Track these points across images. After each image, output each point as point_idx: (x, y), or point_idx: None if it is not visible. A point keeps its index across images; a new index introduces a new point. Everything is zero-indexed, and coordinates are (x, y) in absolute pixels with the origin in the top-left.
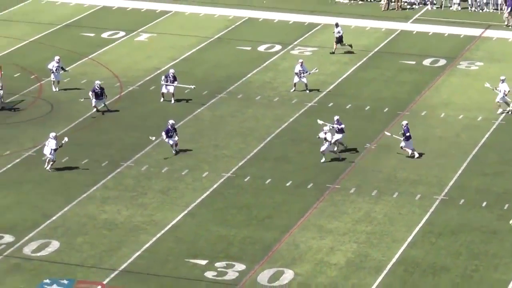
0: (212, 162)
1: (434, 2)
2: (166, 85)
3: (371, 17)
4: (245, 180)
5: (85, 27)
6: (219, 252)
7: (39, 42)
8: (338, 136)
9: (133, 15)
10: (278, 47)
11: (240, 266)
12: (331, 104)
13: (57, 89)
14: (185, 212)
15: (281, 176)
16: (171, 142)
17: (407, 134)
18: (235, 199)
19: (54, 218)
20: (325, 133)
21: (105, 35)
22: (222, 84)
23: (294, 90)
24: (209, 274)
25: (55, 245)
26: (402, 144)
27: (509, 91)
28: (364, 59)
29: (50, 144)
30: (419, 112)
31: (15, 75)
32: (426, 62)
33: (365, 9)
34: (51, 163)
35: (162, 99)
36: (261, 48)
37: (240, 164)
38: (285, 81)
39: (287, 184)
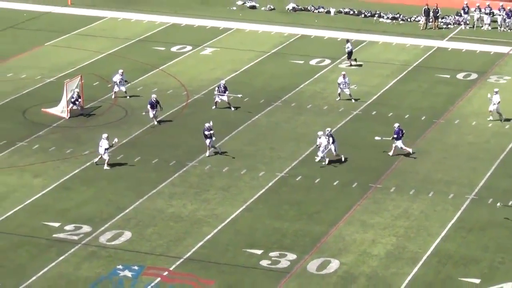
0: (268, 163)
1: (467, 22)
2: (218, 95)
3: (411, 35)
4: (297, 179)
5: (156, 42)
6: (273, 243)
7: (115, 55)
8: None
9: (199, 31)
10: (327, 61)
11: (292, 256)
12: (374, 112)
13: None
14: (243, 207)
15: (329, 176)
16: (207, 141)
17: (400, 134)
18: (288, 196)
19: (127, 211)
20: (319, 137)
21: (174, 49)
22: (277, 93)
23: (340, 99)
24: (264, 263)
25: (127, 235)
26: (398, 144)
27: (499, 102)
28: (404, 72)
29: (103, 144)
30: (453, 121)
31: (94, 84)
32: (460, 76)
33: (405, 28)
34: (107, 160)
35: (214, 107)
36: (313, 62)
37: (292, 165)
38: (333, 92)
39: (334, 183)
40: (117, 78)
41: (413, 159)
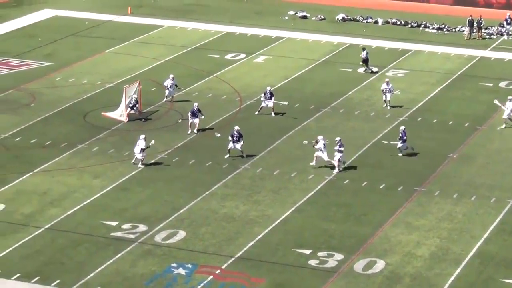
0: (317, 166)
1: (510, 33)
2: (264, 100)
3: (455, 45)
4: (345, 182)
5: (211, 50)
6: (321, 243)
7: (172, 62)
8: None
9: (253, 40)
10: (375, 69)
11: (339, 256)
12: (419, 119)
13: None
14: (293, 208)
15: (375, 179)
16: (237, 146)
17: (404, 137)
18: (336, 199)
19: (181, 211)
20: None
21: (228, 56)
22: (327, 100)
23: (386, 106)
24: (312, 262)
25: (181, 234)
26: (399, 145)
27: None
28: (449, 81)
29: (140, 144)
30: (495, 127)
31: (151, 89)
32: (502, 84)
33: (450, 38)
34: (142, 160)
35: (257, 112)
36: (361, 70)
37: (341, 168)
38: (380, 99)
39: (381, 187)
40: (168, 82)
41: (457, 164)
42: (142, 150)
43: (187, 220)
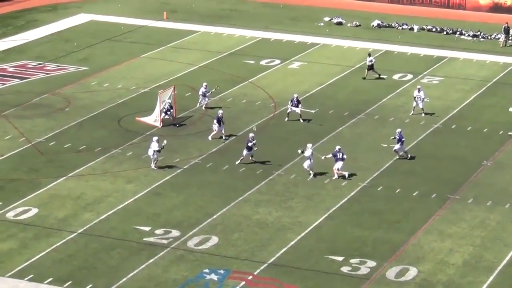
0: (350, 173)
1: None
2: (291, 107)
3: (491, 52)
4: (378, 189)
5: (246, 55)
6: (354, 250)
7: (207, 67)
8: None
9: (288, 46)
10: (410, 76)
11: (372, 263)
12: (454, 126)
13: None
14: (326, 215)
15: (409, 186)
16: (246, 152)
17: (402, 139)
18: (369, 205)
19: (214, 217)
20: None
21: (263, 62)
22: (361, 106)
23: (413, 114)
24: (345, 269)
25: (214, 240)
26: (396, 147)
27: None
28: (484, 88)
29: (153, 146)
30: None
31: (186, 95)
32: None
33: (485, 45)
34: (154, 162)
35: (286, 119)
36: (395, 76)
37: (374, 175)
38: (424, 108)
39: (414, 194)
40: (201, 90)
41: (491, 171)
42: (156, 151)
43: (220, 225)
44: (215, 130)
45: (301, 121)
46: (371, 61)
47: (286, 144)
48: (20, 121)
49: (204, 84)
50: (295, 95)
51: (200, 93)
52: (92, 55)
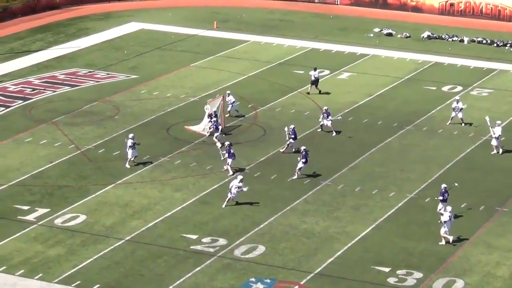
0: (398, 184)
1: None
2: (323, 121)
3: None
4: (426, 200)
5: (296, 65)
6: (401, 261)
7: (256, 77)
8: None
9: (337, 56)
10: (459, 88)
11: (418, 274)
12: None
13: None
14: (373, 225)
15: (456, 198)
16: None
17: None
18: (417, 217)
19: (261, 226)
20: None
21: (312, 72)
22: (410, 117)
23: (450, 123)
24: (391, 280)
25: (261, 249)
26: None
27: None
28: None
29: (128, 143)
30: None
31: (235, 104)
32: None
33: None
34: (131, 159)
35: (320, 130)
36: (445, 88)
37: (422, 186)
38: (464, 118)
39: (461, 206)
40: (230, 99)
41: None
42: (130, 147)
43: (267, 235)
44: (291, 144)
45: (334, 133)
46: (314, 76)
47: (333, 154)
48: (70, 128)
49: (228, 92)
50: (325, 108)
51: (229, 101)
52: (142, 64)
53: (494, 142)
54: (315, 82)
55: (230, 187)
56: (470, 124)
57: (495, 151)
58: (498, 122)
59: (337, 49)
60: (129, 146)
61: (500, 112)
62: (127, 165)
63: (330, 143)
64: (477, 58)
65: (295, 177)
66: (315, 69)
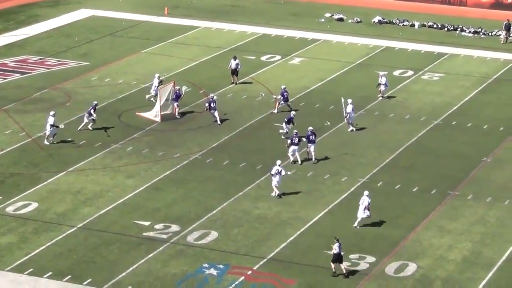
0: (350, 168)
1: None
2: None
3: (492, 49)
4: (378, 184)
5: (247, 51)
6: (353, 245)
7: (207, 63)
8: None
9: (288, 42)
10: (410, 73)
11: (371, 259)
12: (454, 122)
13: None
14: (325, 210)
15: (408, 182)
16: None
17: (312, 138)
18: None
19: (214, 212)
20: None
21: (264, 58)
22: (361, 102)
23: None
24: (344, 265)
25: (214, 235)
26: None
27: None
28: (484, 84)
29: (49, 121)
30: None
31: (186, 90)
32: None
33: (486, 42)
34: (49, 136)
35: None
36: (396, 73)
37: (374, 171)
38: (415, 102)
39: (414, 190)
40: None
41: (491, 168)
42: (51, 126)
43: (220, 220)
44: (285, 129)
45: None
46: (236, 64)
47: (285, 141)
48: (21, 116)
49: (156, 75)
50: (283, 86)
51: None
52: (93, 50)
53: (347, 120)
54: (234, 71)
55: (274, 173)
56: (389, 98)
57: (351, 128)
58: (349, 100)
59: (288, 34)
60: (51, 124)
61: (452, 96)
62: (46, 142)
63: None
64: (428, 42)
65: (312, 160)
66: (234, 58)
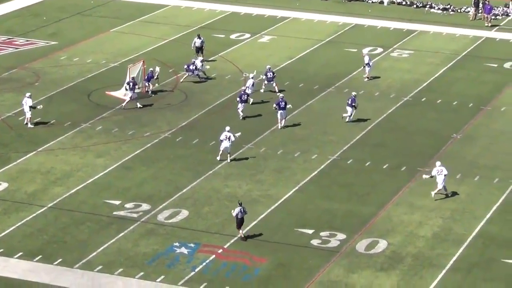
0: (320, 146)
1: None
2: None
3: (461, 26)
4: (348, 162)
5: (216, 29)
6: (324, 223)
7: (176, 41)
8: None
9: (258, 20)
10: (380, 50)
11: (341, 236)
12: (423, 99)
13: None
14: (296, 188)
15: (379, 159)
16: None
17: (282, 105)
18: (339, 178)
19: (184, 190)
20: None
21: (233, 36)
22: (331, 80)
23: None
24: (315, 242)
25: (184, 213)
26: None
27: None
28: (453, 61)
29: (28, 103)
30: (499, 108)
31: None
32: (507, 65)
33: (455, 18)
34: (31, 119)
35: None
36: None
37: (344, 148)
38: (385, 79)
39: (384, 167)
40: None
41: (460, 144)
42: (31, 108)
43: (190, 199)
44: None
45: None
46: (201, 42)
47: (255, 118)
48: None
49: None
50: (268, 66)
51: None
52: (62, 30)
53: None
54: (200, 49)
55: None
56: (373, 78)
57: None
58: (251, 75)
59: (258, 12)
60: (30, 106)
61: (421, 73)
62: (30, 125)
63: (252, 106)
64: (397, 19)
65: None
66: (198, 37)
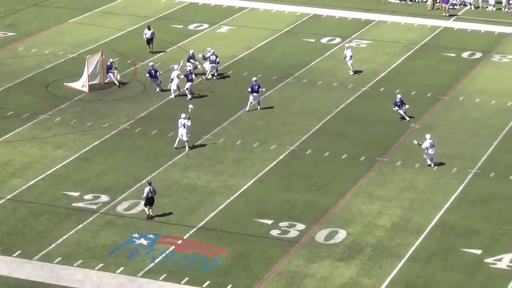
0: (279, 136)
1: (473, 3)
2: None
3: (419, 15)
4: (307, 152)
5: (174, 20)
6: (283, 213)
7: (135, 32)
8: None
9: (216, 10)
10: (338, 40)
11: (301, 226)
12: (382, 89)
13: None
14: (255, 178)
15: (337, 149)
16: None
17: (257, 88)
18: (298, 169)
19: (143, 181)
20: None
21: (191, 27)
22: (289, 70)
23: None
24: (274, 232)
25: (140, 204)
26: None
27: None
28: (411, 51)
29: None
30: (458, 98)
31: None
32: (465, 54)
33: (413, 8)
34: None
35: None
36: (324, 40)
37: (303, 138)
38: (343, 69)
39: (343, 157)
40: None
41: (419, 134)
42: None
43: None
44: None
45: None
46: (152, 33)
47: (214, 108)
48: None
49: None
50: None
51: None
52: (19, 21)
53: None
54: (150, 40)
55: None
56: (356, 72)
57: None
58: (176, 66)
59: (216, 2)
60: None
61: (379, 63)
62: None
63: (211, 96)
64: (355, 9)
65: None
66: (149, 28)
